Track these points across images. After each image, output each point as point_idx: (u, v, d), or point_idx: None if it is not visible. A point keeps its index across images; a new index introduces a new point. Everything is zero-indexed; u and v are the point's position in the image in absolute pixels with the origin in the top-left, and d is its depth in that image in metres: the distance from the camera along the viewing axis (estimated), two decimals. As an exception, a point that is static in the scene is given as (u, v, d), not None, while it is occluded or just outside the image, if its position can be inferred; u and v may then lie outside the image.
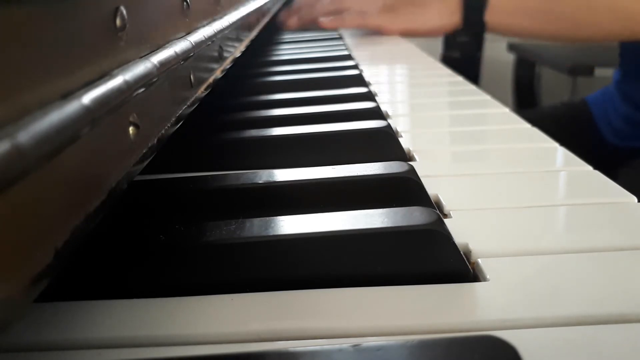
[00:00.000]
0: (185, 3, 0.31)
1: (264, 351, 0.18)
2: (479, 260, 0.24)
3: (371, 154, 0.36)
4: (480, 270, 0.23)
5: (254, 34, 0.57)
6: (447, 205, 0.29)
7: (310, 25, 1.00)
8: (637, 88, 0.90)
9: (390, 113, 0.49)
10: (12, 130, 0.13)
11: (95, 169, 0.18)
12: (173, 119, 0.27)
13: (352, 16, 0.93)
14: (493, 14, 0.85)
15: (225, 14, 0.42)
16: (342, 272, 0.23)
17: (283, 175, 0.30)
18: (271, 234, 0.23)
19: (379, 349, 0.16)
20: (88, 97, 0.17)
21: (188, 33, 0.31)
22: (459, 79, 0.64)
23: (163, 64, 0.24)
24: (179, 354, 0.19)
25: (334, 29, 0.97)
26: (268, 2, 0.73)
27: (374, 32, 0.97)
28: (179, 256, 0.23)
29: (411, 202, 0.27)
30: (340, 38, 0.91)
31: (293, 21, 0.99)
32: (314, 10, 0.97)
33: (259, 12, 0.63)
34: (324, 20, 0.95)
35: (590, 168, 0.34)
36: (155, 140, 0.25)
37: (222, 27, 0.38)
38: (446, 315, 0.20)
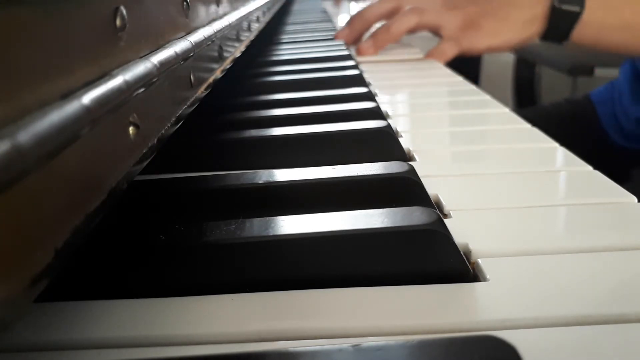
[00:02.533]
0: (185, 3, 0.31)
1: (264, 351, 0.18)
2: (479, 260, 0.24)
3: (371, 154, 0.36)
4: (480, 270, 0.23)
5: (254, 34, 0.57)
6: (447, 205, 0.29)
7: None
8: None
9: (390, 113, 0.49)
10: (12, 130, 0.13)
11: (95, 169, 0.18)
12: (173, 119, 0.27)
13: (450, 46, 0.77)
14: (583, 29, 0.72)
15: (225, 14, 0.42)
16: (342, 272, 0.23)
17: (283, 175, 0.30)
18: (271, 234, 0.23)
19: (379, 349, 0.16)
20: (88, 97, 0.17)
21: (188, 33, 0.31)
22: (459, 79, 0.64)
23: (163, 64, 0.24)
24: (179, 354, 0.19)
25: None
26: (268, 2, 0.73)
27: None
28: (179, 256, 0.23)
29: (411, 202, 0.27)
30: (340, 38, 0.91)
31: (368, 48, 0.81)
32: (390, 33, 0.81)
33: (259, 11, 0.63)
34: (431, 56, 0.79)
35: (590, 168, 0.34)
36: (155, 140, 0.25)
37: (222, 27, 0.38)
38: (446, 315, 0.20)
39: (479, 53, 0.80)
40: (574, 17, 0.71)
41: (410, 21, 0.79)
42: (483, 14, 0.75)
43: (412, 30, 0.81)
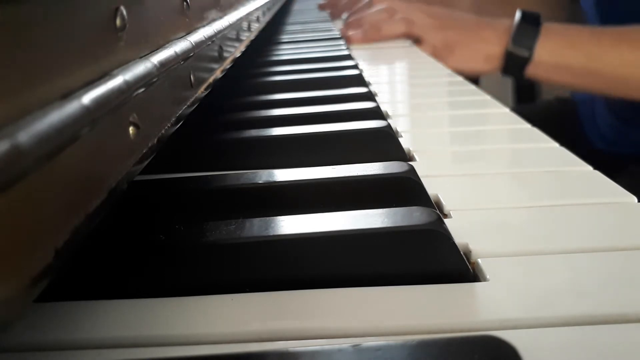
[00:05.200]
0: (185, 3, 0.31)
1: (264, 351, 0.18)
2: (479, 260, 0.24)
3: (371, 154, 0.36)
4: (480, 270, 0.23)
5: (254, 34, 0.57)
6: (447, 205, 0.29)
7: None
8: (621, 101, 0.88)
9: (390, 113, 0.49)
10: (12, 130, 0.13)
11: (95, 169, 0.18)
12: (173, 119, 0.27)
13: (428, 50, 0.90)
14: (534, 69, 0.83)
15: (225, 14, 0.42)
16: (342, 272, 0.23)
17: (283, 175, 0.30)
18: (271, 234, 0.23)
19: (379, 349, 0.16)
20: (88, 97, 0.17)
21: (188, 33, 0.31)
22: (459, 79, 0.64)
23: (163, 64, 0.24)
24: (179, 354, 0.19)
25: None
26: (268, 2, 0.73)
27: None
28: (179, 256, 0.23)
29: (411, 202, 0.27)
30: (340, 38, 0.91)
31: (357, 37, 0.93)
32: (379, 33, 0.93)
33: (259, 11, 0.63)
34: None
35: (590, 168, 0.34)
36: (155, 140, 0.25)
37: (222, 27, 0.38)
38: (446, 315, 0.20)
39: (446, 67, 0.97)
40: (524, 60, 0.82)
41: (400, 28, 0.91)
42: (459, 41, 0.87)
43: (398, 36, 0.94)
